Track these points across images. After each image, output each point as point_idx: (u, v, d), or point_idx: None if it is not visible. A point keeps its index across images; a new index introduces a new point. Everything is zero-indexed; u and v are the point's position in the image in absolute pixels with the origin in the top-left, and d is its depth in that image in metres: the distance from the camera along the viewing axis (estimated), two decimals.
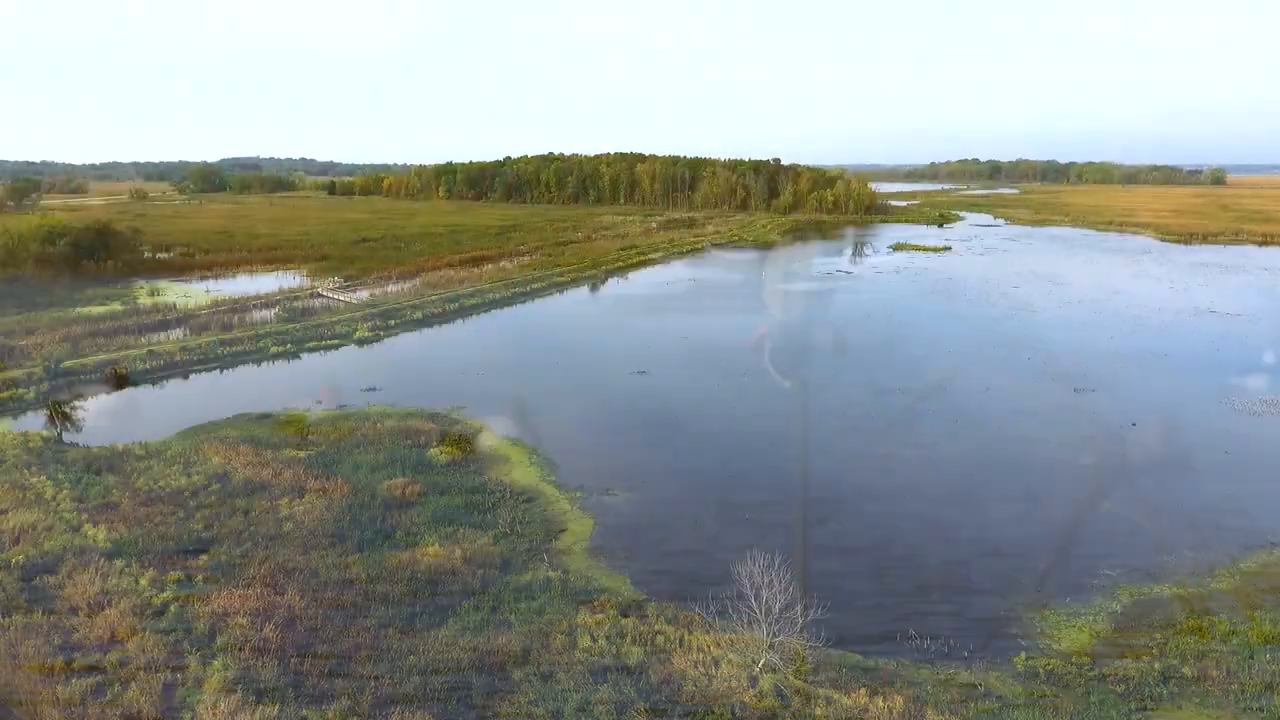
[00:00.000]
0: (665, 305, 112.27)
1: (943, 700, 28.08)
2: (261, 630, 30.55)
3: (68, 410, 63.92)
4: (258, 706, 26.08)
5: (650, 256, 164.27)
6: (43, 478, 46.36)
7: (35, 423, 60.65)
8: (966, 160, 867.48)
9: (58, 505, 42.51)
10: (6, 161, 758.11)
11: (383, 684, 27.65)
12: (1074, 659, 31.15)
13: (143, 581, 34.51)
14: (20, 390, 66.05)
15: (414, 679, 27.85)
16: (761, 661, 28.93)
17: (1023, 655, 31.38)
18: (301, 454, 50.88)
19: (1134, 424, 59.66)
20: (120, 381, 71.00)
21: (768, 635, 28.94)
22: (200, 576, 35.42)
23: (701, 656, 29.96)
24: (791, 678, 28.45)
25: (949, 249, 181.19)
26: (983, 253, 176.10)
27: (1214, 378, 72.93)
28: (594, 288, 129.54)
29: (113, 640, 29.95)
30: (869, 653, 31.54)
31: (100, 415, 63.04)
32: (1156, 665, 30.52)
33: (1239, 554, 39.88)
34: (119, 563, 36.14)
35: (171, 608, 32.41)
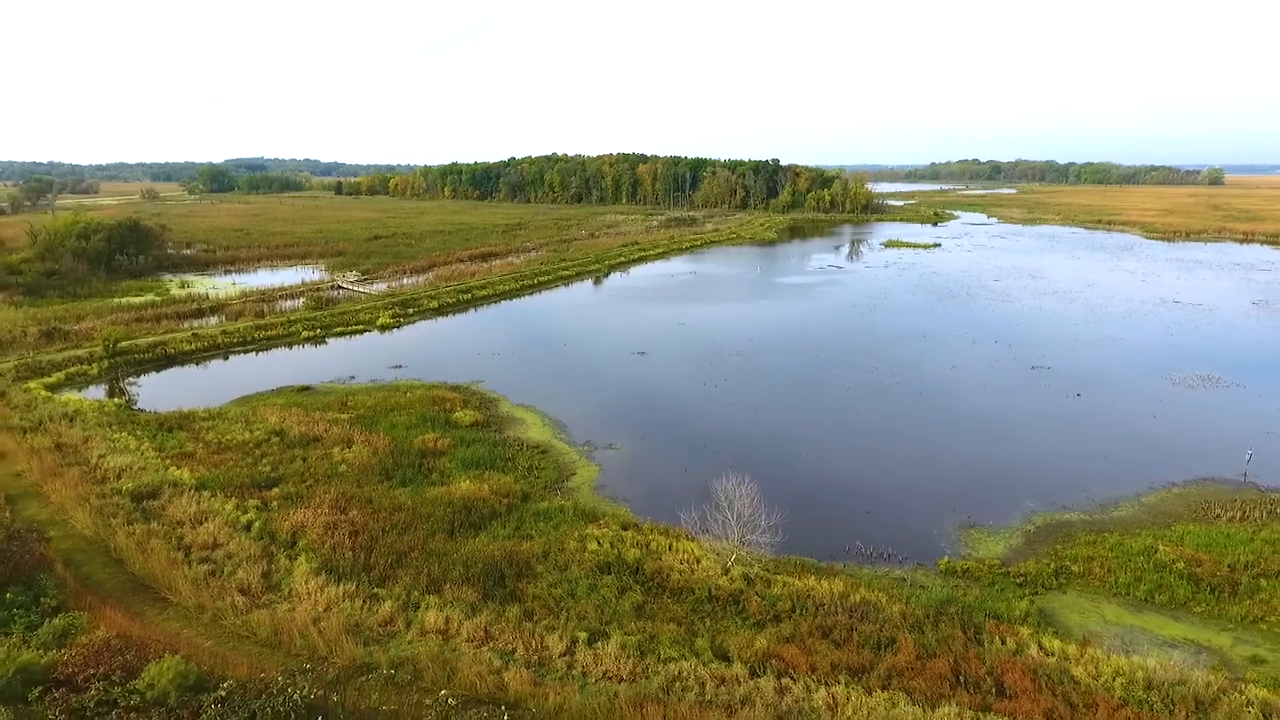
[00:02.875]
0: (665, 296, 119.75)
1: (875, 585, 35.52)
2: (333, 537, 38.10)
3: (130, 383, 71.74)
4: (339, 584, 33.57)
5: (651, 253, 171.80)
6: (124, 434, 53.89)
7: (99, 394, 68.24)
8: (967, 161, 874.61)
9: (143, 453, 50.03)
10: (14, 162, 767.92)
11: (434, 571, 35.15)
12: (987, 562, 38.54)
13: (228, 507, 41.96)
14: (84, 367, 73.61)
15: (458, 568, 35.32)
16: (733, 558, 36.37)
17: (945, 559, 38.79)
18: (345, 416, 58.38)
19: (1078, 395, 67.04)
20: (171, 359, 78.59)
21: (739, 537, 36.34)
22: (274, 503, 42.95)
23: (686, 556, 37.42)
24: (756, 569, 35.88)
25: (939, 246, 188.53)
26: (970, 249, 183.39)
27: (1160, 358, 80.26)
28: (597, 281, 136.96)
29: (216, 543, 37.44)
30: (821, 557, 39.00)
31: (159, 387, 70.66)
32: (1052, 565, 37.93)
33: (1142, 491, 47.29)
34: (205, 493, 43.62)
35: (256, 524, 39.86)
